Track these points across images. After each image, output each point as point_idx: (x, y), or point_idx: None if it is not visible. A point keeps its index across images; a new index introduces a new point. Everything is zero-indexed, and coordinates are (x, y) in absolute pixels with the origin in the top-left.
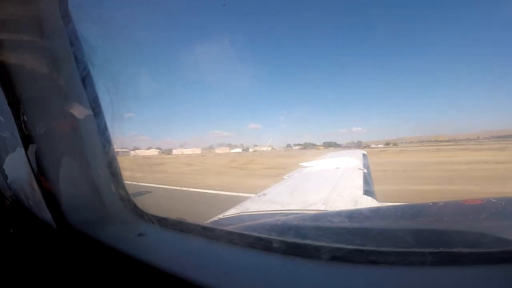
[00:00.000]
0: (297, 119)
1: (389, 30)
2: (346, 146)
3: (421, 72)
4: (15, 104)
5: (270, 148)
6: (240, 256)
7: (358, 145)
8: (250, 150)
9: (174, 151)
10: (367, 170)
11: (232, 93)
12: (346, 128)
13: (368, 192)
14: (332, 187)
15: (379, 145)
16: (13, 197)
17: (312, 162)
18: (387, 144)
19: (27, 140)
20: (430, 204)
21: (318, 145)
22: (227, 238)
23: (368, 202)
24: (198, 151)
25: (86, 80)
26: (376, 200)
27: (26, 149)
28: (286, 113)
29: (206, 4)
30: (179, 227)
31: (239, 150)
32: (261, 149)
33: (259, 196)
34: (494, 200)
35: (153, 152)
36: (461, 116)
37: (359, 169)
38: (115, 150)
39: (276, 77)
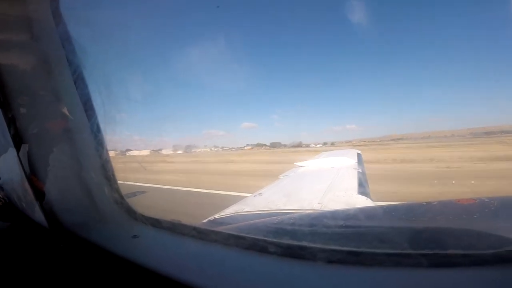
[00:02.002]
0: (292, 117)
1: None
2: (288, 145)
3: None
4: (6, 105)
5: (208, 149)
6: (235, 258)
7: (299, 144)
8: (193, 150)
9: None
10: (362, 169)
11: (226, 93)
12: (340, 126)
13: (362, 191)
14: (327, 187)
15: (317, 145)
16: (5, 198)
17: (307, 161)
18: (325, 143)
19: (18, 141)
20: (424, 203)
21: (267, 145)
22: (223, 240)
23: (363, 202)
24: (147, 152)
25: (78, 81)
26: (371, 199)
27: (18, 150)
28: (280, 111)
29: (200, 5)
30: (174, 228)
31: (180, 151)
32: (198, 150)
33: (254, 196)
34: (487, 200)
35: (112, 153)
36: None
37: (354, 168)
38: (108, 152)
39: (270, 76)
